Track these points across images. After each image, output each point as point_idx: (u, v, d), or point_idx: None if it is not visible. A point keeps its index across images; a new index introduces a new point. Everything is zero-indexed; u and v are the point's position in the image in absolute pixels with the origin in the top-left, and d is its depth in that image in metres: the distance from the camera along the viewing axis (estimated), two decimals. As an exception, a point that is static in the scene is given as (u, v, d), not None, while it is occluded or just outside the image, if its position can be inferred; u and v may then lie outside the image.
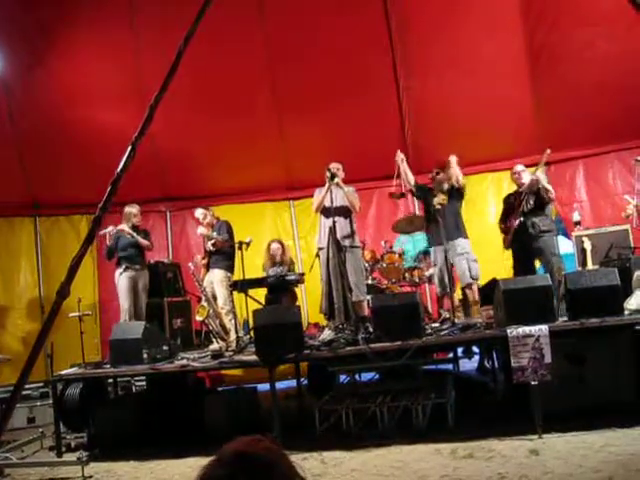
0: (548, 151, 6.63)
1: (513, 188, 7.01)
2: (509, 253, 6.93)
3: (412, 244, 8.05)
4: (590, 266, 6.91)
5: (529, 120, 8.35)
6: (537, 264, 6.70)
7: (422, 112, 8.54)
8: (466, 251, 6.42)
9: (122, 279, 7.25)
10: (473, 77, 8.06)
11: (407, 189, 6.80)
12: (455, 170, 6.52)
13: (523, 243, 6.55)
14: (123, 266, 7.28)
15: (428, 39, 8.05)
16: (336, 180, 6.38)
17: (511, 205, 6.75)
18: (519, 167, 6.90)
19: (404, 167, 6.64)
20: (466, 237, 6.54)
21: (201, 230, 7.35)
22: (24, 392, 7.02)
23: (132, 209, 7.44)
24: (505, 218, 6.83)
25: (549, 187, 6.59)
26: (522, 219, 6.51)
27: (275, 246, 7.93)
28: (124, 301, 7.22)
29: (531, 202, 6.52)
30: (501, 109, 8.25)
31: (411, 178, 6.74)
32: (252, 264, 7.34)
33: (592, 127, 8.02)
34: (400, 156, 6.63)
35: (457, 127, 8.30)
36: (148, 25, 7.73)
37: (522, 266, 6.52)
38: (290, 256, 8.16)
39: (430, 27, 7.99)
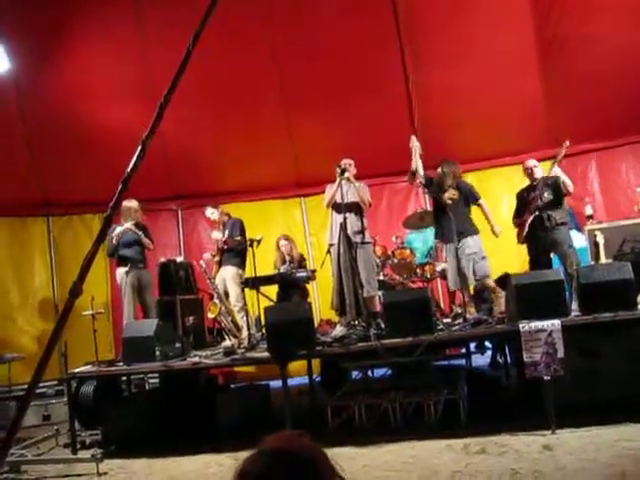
0: (567, 143, 6.49)
1: (524, 182, 6.95)
2: (521, 248, 6.89)
3: (422, 240, 8.02)
4: (603, 260, 6.86)
5: (540, 114, 8.29)
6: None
7: (432, 107, 8.50)
8: (474, 251, 6.28)
9: (128, 279, 7.11)
10: (483, 71, 8.01)
11: (419, 175, 6.73)
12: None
13: (539, 237, 6.44)
14: (128, 265, 7.14)
15: (437, 33, 8.01)
16: (346, 175, 6.36)
17: (524, 200, 6.64)
18: (531, 162, 6.75)
19: (415, 156, 6.59)
20: (475, 234, 6.42)
21: (216, 234, 7.33)
22: (39, 390, 7.07)
23: (132, 204, 7.18)
24: (519, 214, 6.74)
25: (568, 181, 6.44)
26: (537, 213, 6.41)
27: (283, 242, 7.93)
28: (130, 302, 7.11)
29: (547, 195, 6.39)
30: (512, 103, 8.20)
31: (419, 167, 6.65)
32: (263, 261, 7.35)
33: (604, 120, 7.95)
34: (414, 143, 6.58)
35: (467, 122, 8.27)
36: (155, 21, 7.75)
37: (539, 260, 6.43)
38: (299, 251, 8.15)
39: (438, 21, 7.94)
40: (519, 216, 6.71)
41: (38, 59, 7.89)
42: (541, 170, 6.65)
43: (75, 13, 7.62)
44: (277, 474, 1.16)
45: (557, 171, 6.44)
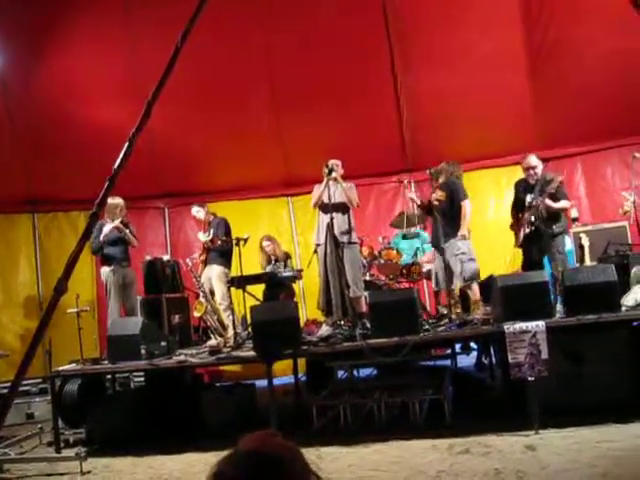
0: (560, 178, 6.34)
1: (512, 183, 6.95)
2: (509, 249, 6.92)
3: (408, 241, 8.04)
4: (588, 262, 6.91)
5: (528, 116, 8.35)
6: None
7: (420, 108, 8.54)
8: (462, 251, 6.20)
9: (115, 277, 7.08)
10: (472, 73, 8.05)
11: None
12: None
13: (535, 243, 6.36)
14: (113, 264, 7.12)
15: (426, 36, 8.04)
16: (333, 175, 6.36)
17: (521, 200, 6.48)
18: (533, 161, 6.42)
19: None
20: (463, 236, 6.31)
21: (202, 236, 7.32)
22: (23, 388, 7.01)
23: (118, 202, 7.12)
24: (517, 206, 6.60)
25: (563, 205, 6.35)
26: (533, 227, 6.29)
27: (266, 243, 7.95)
28: (116, 299, 7.08)
29: (544, 214, 6.23)
30: (500, 105, 8.25)
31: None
32: (249, 260, 7.34)
33: (591, 124, 8.01)
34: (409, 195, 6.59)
35: (455, 123, 8.30)
36: (143, 20, 7.72)
37: (532, 264, 6.32)
38: (283, 250, 8.15)
39: (428, 23, 7.97)
40: (516, 211, 6.60)
41: (26, 57, 7.84)
42: (540, 170, 6.44)
43: (64, 11, 7.57)
44: (252, 475, 1.17)
45: (549, 203, 6.22)
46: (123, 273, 7.20)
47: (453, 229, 6.29)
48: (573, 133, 8.19)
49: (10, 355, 6.91)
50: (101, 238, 7.07)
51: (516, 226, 6.59)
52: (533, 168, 6.39)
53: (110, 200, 6.89)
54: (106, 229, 7.07)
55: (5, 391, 5.42)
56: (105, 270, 7.18)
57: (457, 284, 6.37)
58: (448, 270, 6.27)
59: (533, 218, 6.27)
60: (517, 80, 8.20)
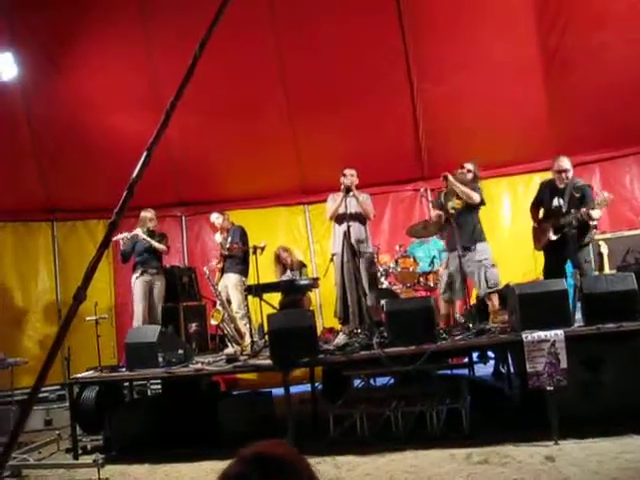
0: (611, 196, 5.97)
1: (528, 191, 6.91)
2: (524, 258, 6.87)
3: (426, 249, 8.01)
4: (607, 270, 6.84)
5: (544, 123, 8.29)
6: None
7: (436, 115, 8.52)
8: (485, 257, 6.15)
9: (137, 284, 7.29)
10: (487, 80, 8.03)
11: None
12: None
13: (558, 251, 6.14)
14: (139, 271, 7.33)
15: (442, 42, 8.03)
16: (351, 194, 6.38)
17: (546, 202, 6.24)
18: (565, 164, 6.11)
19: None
20: (483, 240, 6.25)
21: (218, 237, 7.41)
22: (41, 395, 7.08)
23: (147, 214, 7.47)
24: (538, 206, 6.39)
25: (599, 215, 6.06)
26: (561, 235, 6.04)
27: (284, 255, 7.95)
28: (138, 305, 7.25)
29: (574, 223, 5.93)
30: (516, 112, 8.21)
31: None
32: (266, 269, 7.35)
33: (608, 130, 7.95)
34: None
35: (471, 130, 8.27)
36: (161, 30, 7.80)
37: (554, 273, 6.23)
38: (298, 259, 8.15)
39: (444, 30, 7.97)
40: (536, 210, 6.41)
41: (46, 67, 7.95)
42: (571, 174, 6.16)
43: (82, 21, 7.67)
44: (255, 474, 1.18)
45: (593, 214, 5.90)
46: (149, 280, 7.34)
47: (473, 236, 6.22)
48: (590, 140, 8.11)
49: (29, 362, 6.98)
50: (121, 246, 7.34)
51: (539, 229, 6.36)
52: (565, 171, 6.10)
53: (142, 213, 7.40)
54: (123, 235, 7.28)
55: (24, 398, 5.49)
56: (133, 277, 7.39)
57: (478, 293, 6.30)
58: (462, 278, 6.20)
59: (563, 222, 5.98)
60: (533, 86, 8.16)
